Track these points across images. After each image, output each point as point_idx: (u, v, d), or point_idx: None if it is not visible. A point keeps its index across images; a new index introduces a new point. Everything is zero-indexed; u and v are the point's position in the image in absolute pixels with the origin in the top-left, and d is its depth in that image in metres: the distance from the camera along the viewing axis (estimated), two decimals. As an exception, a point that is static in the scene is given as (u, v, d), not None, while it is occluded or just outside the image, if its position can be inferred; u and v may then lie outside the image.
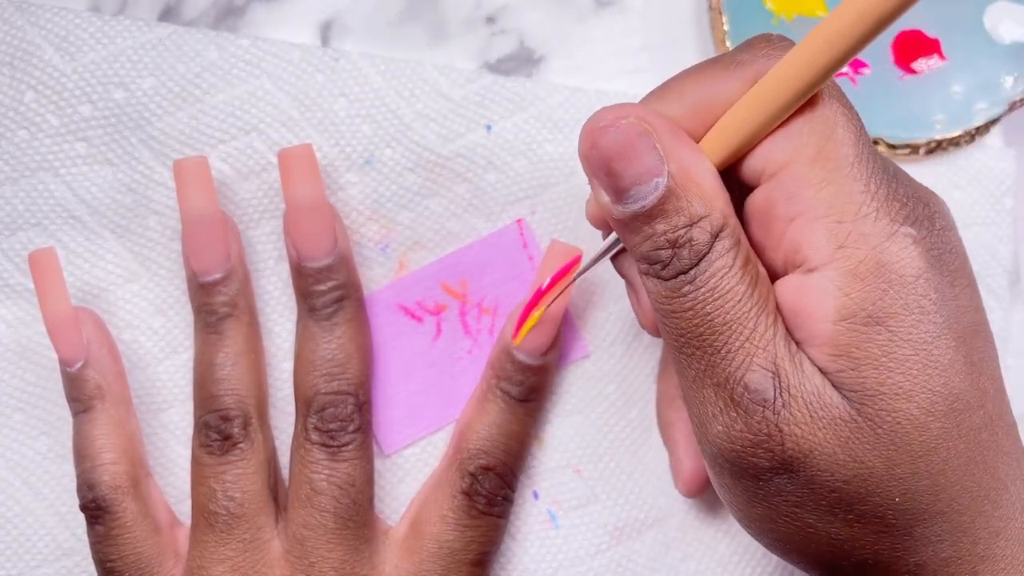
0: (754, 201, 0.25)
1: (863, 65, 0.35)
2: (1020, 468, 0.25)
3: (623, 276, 0.29)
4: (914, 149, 0.35)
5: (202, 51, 0.33)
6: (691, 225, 0.23)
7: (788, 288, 0.24)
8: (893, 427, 0.23)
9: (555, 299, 0.31)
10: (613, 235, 0.28)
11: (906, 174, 0.25)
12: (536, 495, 0.34)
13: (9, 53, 0.33)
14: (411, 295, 0.34)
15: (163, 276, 0.34)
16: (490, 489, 0.32)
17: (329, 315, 0.32)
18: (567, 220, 0.34)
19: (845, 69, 0.34)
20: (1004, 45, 0.35)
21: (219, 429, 0.31)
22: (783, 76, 0.23)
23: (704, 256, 0.23)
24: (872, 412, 0.23)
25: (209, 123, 0.33)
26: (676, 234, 0.23)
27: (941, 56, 0.35)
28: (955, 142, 0.35)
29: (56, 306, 0.32)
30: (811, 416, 0.23)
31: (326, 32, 0.35)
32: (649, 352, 0.35)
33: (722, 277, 0.23)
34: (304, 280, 0.32)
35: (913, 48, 0.35)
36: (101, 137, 0.33)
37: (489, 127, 0.34)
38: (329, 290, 0.32)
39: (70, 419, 0.33)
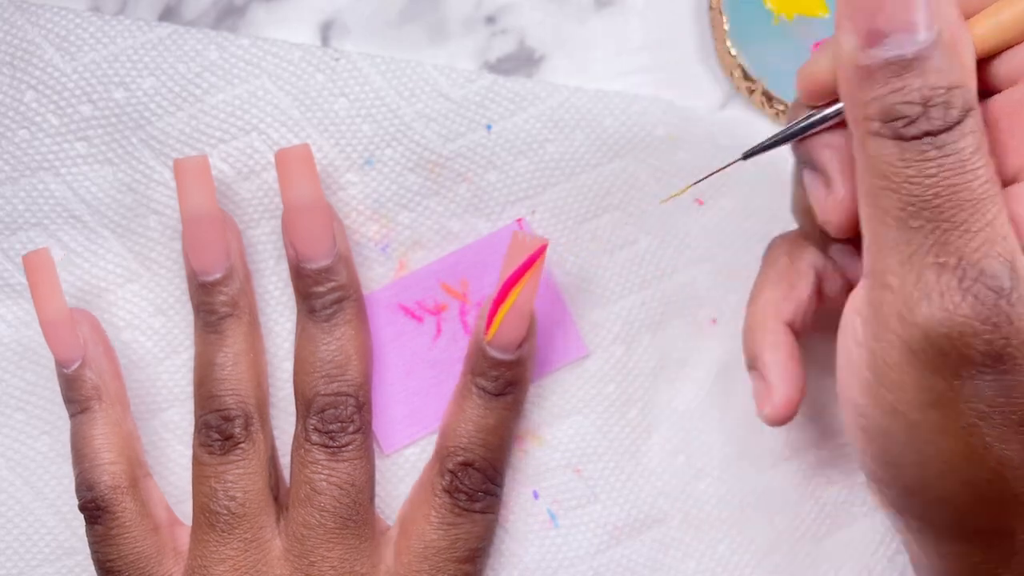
0: (996, 102, 0.24)
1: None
2: None
3: (808, 162, 0.27)
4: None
5: (202, 51, 0.33)
6: (949, 89, 0.22)
7: (1017, 195, 0.23)
8: None
9: (523, 290, 0.31)
10: (807, 115, 0.26)
11: None
12: (536, 495, 0.34)
13: (9, 53, 0.33)
14: (411, 295, 0.34)
15: (163, 276, 0.34)
16: (471, 485, 0.32)
17: (328, 316, 0.32)
18: (567, 220, 0.34)
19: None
20: (1004, 45, 0.35)
21: (220, 429, 0.31)
22: None
23: (956, 125, 0.22)
24: None
25: (209, 123, 0.33)
26: (932, 92, 0.22)
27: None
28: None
29: (51, 307, 0.31)
30: None
31: (326, 32, 0.35)
32: (649, 352, 0.35)
33: (972, 153, 0.22)
34: (303, 281, 0.32)
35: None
36: (101, 137, 0.33)
37: (489, 127, 0.34)
38: (328, 291, 0.32)
39: (71, 419, 0.33)
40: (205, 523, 0.31)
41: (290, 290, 0.34)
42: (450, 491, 0.32)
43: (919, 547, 0.26)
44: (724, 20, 0.35)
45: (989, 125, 0.24)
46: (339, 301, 0.32)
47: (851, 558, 0.34)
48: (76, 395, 0.32)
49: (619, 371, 0.35)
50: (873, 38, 0.22)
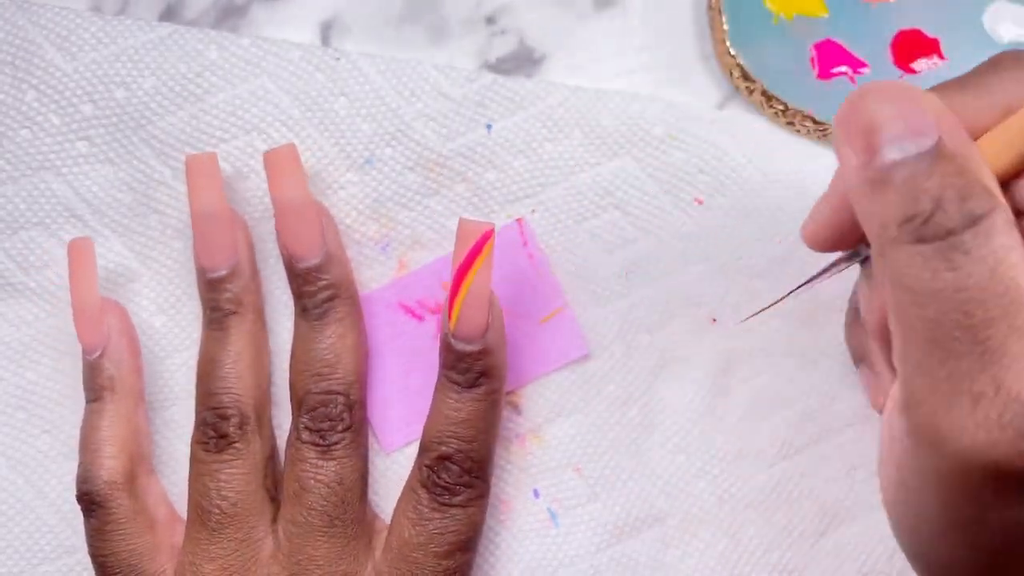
0: None
1: (863, 65, 0.35)
2: None
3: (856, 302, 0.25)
4: (913, 149, 0.35)
5: (203, 51, 0.33)
6: (965, 186, 0.20)
7: None
8: None
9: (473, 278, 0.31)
10: (837, 254, 0.25)
11: None
12: (536, 494, 0.34)
13: (11, 53, 0.33)
14: (412, 294, 0.34)
15: (164, 275, 0.34)
16: (448, 479, 0.31)
17: (320, 315, 0.32)
18: (566, 220, 0.34)
19: (843, 69, 0.35)
20: (1004, 45, 0.35)
21: (215, 427, 0.31)
22: None
23: (980, 220, 0.19)
24: None
25: (210, 122, 0.34)
26: (943, 191, 0.20)
27: (940, 56, 0.35)
28: (954, 142, 0.35)
29: (85, 294, 0.32)
30: None
31: (326, 32, 0.35)
32: (649, 351, 0.35)
33: (1007, 254, 0.19)
34: (295, 280, 0.32)
35: (912, 48, 0.35)
36: (103, 136, 0.34)
37: (489, 126, 0.34)
38: (319, 290, 0.32)
39: (72, 417, 0.33)
40: (198, 520, 0.31)
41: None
42: (427, 486, 0.31)
43: None
44: (724, 20, 0.35)
45: None
46: (330, 299, 0.32)
47: (850, 556, 0.34)
48: (92, 383, 0.32)
49: (619, 371, 0.35)
50: (875, 150, 0.21)
